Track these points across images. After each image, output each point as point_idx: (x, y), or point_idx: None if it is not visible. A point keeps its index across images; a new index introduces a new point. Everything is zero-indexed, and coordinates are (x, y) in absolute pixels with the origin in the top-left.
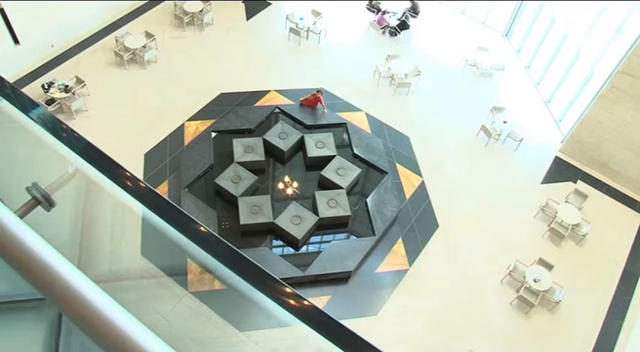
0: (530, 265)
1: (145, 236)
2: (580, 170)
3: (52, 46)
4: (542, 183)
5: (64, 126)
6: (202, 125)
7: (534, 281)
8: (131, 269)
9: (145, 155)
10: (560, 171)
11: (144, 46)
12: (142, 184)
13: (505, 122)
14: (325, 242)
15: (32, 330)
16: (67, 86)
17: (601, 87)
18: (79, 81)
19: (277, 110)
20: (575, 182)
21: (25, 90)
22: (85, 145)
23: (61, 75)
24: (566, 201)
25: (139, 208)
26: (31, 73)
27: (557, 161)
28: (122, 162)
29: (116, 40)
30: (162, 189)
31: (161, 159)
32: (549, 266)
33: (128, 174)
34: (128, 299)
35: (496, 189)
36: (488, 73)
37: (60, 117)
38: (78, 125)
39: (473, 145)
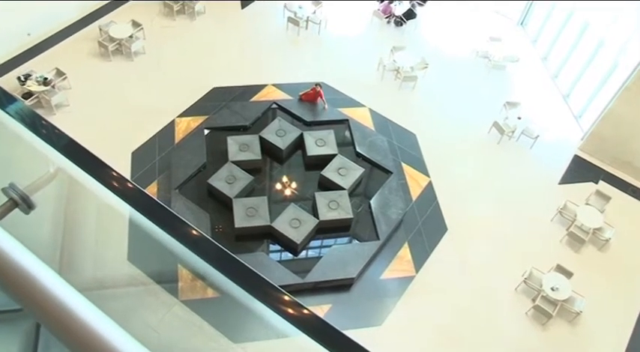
0: (547, 272)
1: (132, 240)
2: (602, 169)
3: (29, 35)
4: (560, 183)
5: (44, 121)
6: (194, 121)
7: (552, 289)
8: (117, 275)
9: (133, 154)
10: (580, 170)
11: (130, 36)
12: (129, 184)
13: (519, 118)
14: (326, 246)
15: (5, 345)
16: (46, 79)
17: (626, 79)
18: (60, 73)
19: (274, 106)
20: (596, 182)
21: None
22: (67, 142)
23: (39, 66)
24: (586, 203)
25: (125, 210)
26: (4, 63)
27: (577, 160)
28: (107, 162)
29: (100, 30)
30: (151, 190)
31: (150, 158)
32: (568, 274)
33: (114, 174)
34: (114, 309)
35: (510, 190)
36: (501, 65)
37: (38, 112)
38: (58, 121)
39: (484, 143)
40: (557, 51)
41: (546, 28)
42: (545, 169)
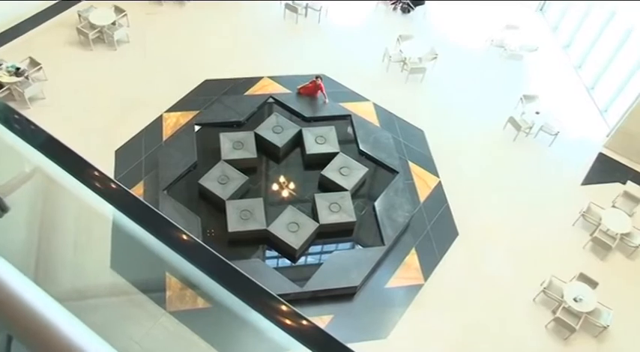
0: (569, 281)
1: (115, 246)
2: (630, 168)
3: None
4: (582, 184)
5: (17, 115)
6: (184, 117)
7: (575, 300)
8: (99, 285)
9: (116, 152)
10: (606, 170)
11: (113, 23)
12: (113, 184)
13: (538, 113)
14: (327, 252)
15: None
16: (18, 69)
17: None
18: (34, 63)
19: (271, 100)
20: (623, 183)
21: None
22: (44, 139)
23: (9, 55)
24: (613, 206)
25: (109, 213)
26: None
27: (602, 158)
28: (88, 161)
29: (79, 15)
30: (137, 192)
31: (135, 157)
32: (593, 284)
33: (97, 173)
34: (94, 321)
35: (527, 192)
36: (517, 55)
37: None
38: (33, 115)
39: (499, 140)
40: (580, 39)
41: (568, 13)
42: (566, 169)
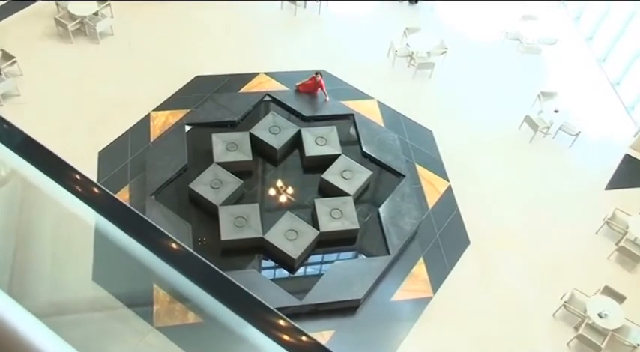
0: (592, 295)
1: (98, 255)
2: None
3: None
4: (606, 188)
5: None
6: (173, 116)
7: (599, 316)
8: (80, 298)
9: (100, 153)
10: (632, 172)
11: (95, 14)
12: (96, 189)
13: (557, 111)
14: (327, 262)
15: None
16: None
17: None
18: (7, 56)
19: (267, 98)
20: None
21: None
22: (21, 140)
23: None
24: None
25: (91, 219)
26: None
27: (628, 160)
28: (69, 163)
29: (57, 5)
30: (122, 197)
31: (120, 159)
32: (619, 298)
33: (78, 176)
34: (75, 338)
35: (545, 197)
36: (535, 49)
37: None
38: (7, 114)
39: (514, 141)
40: (604, 29)
41: (591, 2)
42: (588, 172)
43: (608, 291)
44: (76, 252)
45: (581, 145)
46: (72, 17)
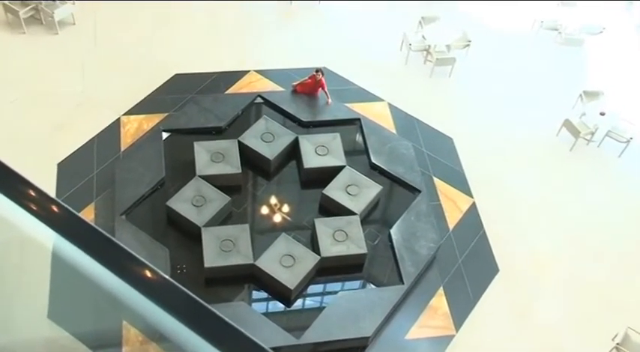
0: None
1: (55, 287)
2: None
3: None
4: None
5: None
6: (148, 121)
7: None
8: (32, 339)
9: (59, 165)
10: None
11: None
12: (54, 206)
13: (602, 114)
14: (330, 293)
15: None
16: None
17: None
18: None
19: (259, 100)
20: None
21: None
22: None
23: None
24: None
25: (47, 243)
26: None
27: None
28: (23, 176)
29: None
30: (87, 216)
31: (84, 172)
32: None
33: (33, 192)
34: None
35: (589, 215)
36: (576, 40)
37: None
38: None
39: (551, 149)
40: None
41: None
42: None
43: None
44: (29, 282)
45: (632, 154)
46: (23, 3)
